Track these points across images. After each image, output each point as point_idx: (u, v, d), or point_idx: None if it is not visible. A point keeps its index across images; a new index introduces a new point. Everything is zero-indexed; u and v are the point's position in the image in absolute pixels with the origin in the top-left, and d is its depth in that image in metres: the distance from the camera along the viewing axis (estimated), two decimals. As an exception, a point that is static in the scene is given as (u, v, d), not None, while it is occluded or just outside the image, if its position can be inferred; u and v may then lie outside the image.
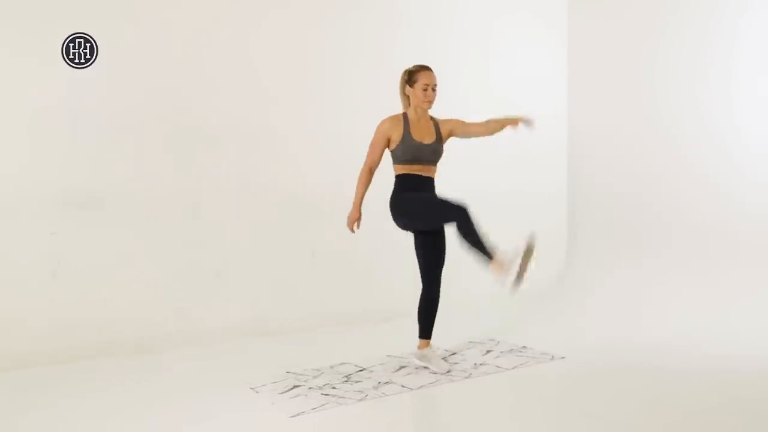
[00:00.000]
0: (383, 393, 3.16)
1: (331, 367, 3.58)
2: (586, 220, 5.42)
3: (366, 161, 3.50)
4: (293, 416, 2.88)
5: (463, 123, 3.57)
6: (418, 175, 3.46)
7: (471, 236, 3.20)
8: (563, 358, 3.67)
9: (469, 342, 4.06)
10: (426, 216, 3.44)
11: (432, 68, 3.50)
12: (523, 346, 3.91)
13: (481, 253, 3.20)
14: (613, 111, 5.20)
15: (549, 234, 5.54)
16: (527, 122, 3.42)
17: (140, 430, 2.78)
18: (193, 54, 4.20)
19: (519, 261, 3.11)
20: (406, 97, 3.52)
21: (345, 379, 3.38)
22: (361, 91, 4.67)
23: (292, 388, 3.23)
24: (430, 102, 3.48)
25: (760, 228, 4.27)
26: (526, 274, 3.13)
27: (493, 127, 3.48)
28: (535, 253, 3.14)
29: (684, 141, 4.69)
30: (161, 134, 4.10)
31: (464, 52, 5.22)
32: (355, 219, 3.51)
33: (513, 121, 3.42)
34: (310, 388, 3.23)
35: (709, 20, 4.50)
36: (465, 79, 5.19)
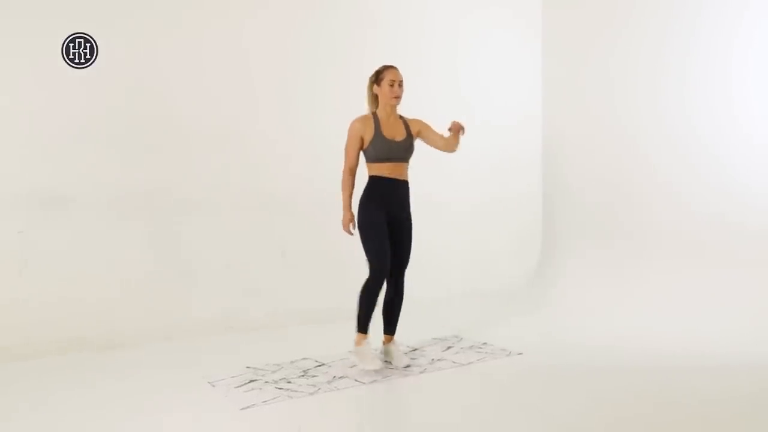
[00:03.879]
0: (335, 387, 3.23)
1: (292, 362, 3.66)
2: (560, 219, 5.47)
3: (345, 165, 3.55)
4: (243, 409, 2.95)
5: (429, 127, 3.63)
6: (389, 180, 3.49)
7: (361, 297, 3.47)
8: (520, 354, 3.73)
9: (433, 338, 4.12)
10: (363, 245, 3.51)
11: (398, 67, 3.53)
12: (484, 343, 3.97)
13: (357, 316, 3.49)
14: (588, 112, 5.25)
15: (524, 234, 5.62)
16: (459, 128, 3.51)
17: (83, 424, 2.84)
18: (172, 57, 4.31)
19: (357, 359, 3.48)
20: (373, 97, 3.56)
21: (302, 373, 3.45)
22: (331, 92, 4.74)
23: (248, 383, 3.31)
24: (398, 97, 3.51)
25: (728, 230, 4.33)
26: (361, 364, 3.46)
27: (451, 142, 3.54)
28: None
29: (647, 142, 4.76)
30: (132, 134, 4.20)
31: (437, 54, 5.29)
32: (349, 221, 3.57)
33: (457, 130, 3.49)
34: (266, 382, 3.31)
35: (666, 26, 4.60)
36: (437, 81, 5.25)
